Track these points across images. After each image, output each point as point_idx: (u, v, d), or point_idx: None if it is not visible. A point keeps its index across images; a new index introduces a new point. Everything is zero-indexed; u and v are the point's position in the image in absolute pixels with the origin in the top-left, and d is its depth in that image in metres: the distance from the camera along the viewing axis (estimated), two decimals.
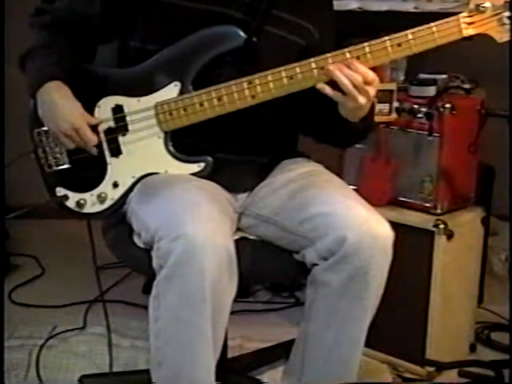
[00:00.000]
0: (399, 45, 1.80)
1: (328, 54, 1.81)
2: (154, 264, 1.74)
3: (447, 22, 1.79)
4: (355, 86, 1.78)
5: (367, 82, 1.78)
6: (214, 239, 1.69)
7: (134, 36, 1.95)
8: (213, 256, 1.68)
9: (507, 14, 1.78)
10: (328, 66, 1.80)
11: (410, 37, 1.79)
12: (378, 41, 1.81)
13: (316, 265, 1.84)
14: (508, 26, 1.78)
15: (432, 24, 1.79)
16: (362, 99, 1.79)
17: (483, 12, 1.78)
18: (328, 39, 1.99)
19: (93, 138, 1.89)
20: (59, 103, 1.88)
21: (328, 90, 1.80)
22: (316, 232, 1.82)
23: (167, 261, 1.69)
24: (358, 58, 1.80)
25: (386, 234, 1.82)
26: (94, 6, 1.95)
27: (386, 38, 1.80)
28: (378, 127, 2.41)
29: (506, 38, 1.80)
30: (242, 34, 1.86)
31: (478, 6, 1.79)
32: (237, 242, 1.83)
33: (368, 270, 1.79)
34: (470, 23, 1.79)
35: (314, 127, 2.04)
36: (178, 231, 1.68)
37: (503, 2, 1.78)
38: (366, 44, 1.81)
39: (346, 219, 1.79)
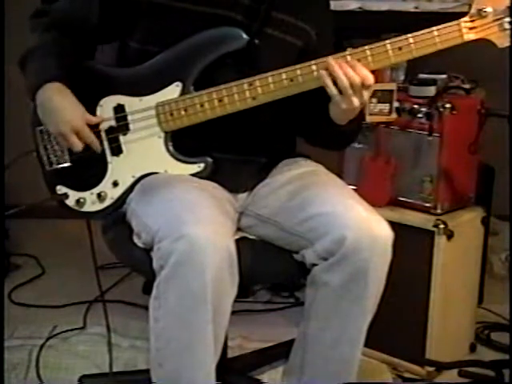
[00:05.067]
0: (400, 48, 1.80)
1: (329, 57, 1.81)
2: (155, 265, 1.74)
3: (448, 27, 1.79)
4: (352, 86, 1.78)
5: (364, 86, 1.79)
6: (215, 240, 1.69)
7: (134, 37, 1.95)
8: (214, 256, 1.68)
9: (508, 19, 1.78)
10: (329, 61, 1.80)
11: (411, 40, 1.79)
12: (378, 44, 1.81)
13: (315, 265, 1.84)
14: (509, 32, 1.78)
15: (433, 28, 1.79)
16: (355, 101, 1.80)
17: (485, 17, 1.78)
18: (326, 40, 1.99)
19: (93, 139, 1.89)
20: (59, 105, 1.88)
21: (328, 80, 1.80)
22: (315, 232, 1.82)
23: (168, 261, 1.69)
24: (358, 60, 1.80)
25: (386, 234, 1.82)
26: (92, 7, 1.94)
27: (387, 41, 1.80)
28: (371, 128, 2.42)
29: (506, 43, 1.80)
30: (244, 35, 1.86)
31: (479, 10, 1.78)
32: (237, 241, 1.83)
33: (367, 270, 1.79)
34: (471, 28, 1.79)
35: (304, 129, 2.05)
36: (179, 232, 1.68)
37: (505, 7, 1.78)
38: (366, 47, 1.81)
39: (345, 219, 1.79)
